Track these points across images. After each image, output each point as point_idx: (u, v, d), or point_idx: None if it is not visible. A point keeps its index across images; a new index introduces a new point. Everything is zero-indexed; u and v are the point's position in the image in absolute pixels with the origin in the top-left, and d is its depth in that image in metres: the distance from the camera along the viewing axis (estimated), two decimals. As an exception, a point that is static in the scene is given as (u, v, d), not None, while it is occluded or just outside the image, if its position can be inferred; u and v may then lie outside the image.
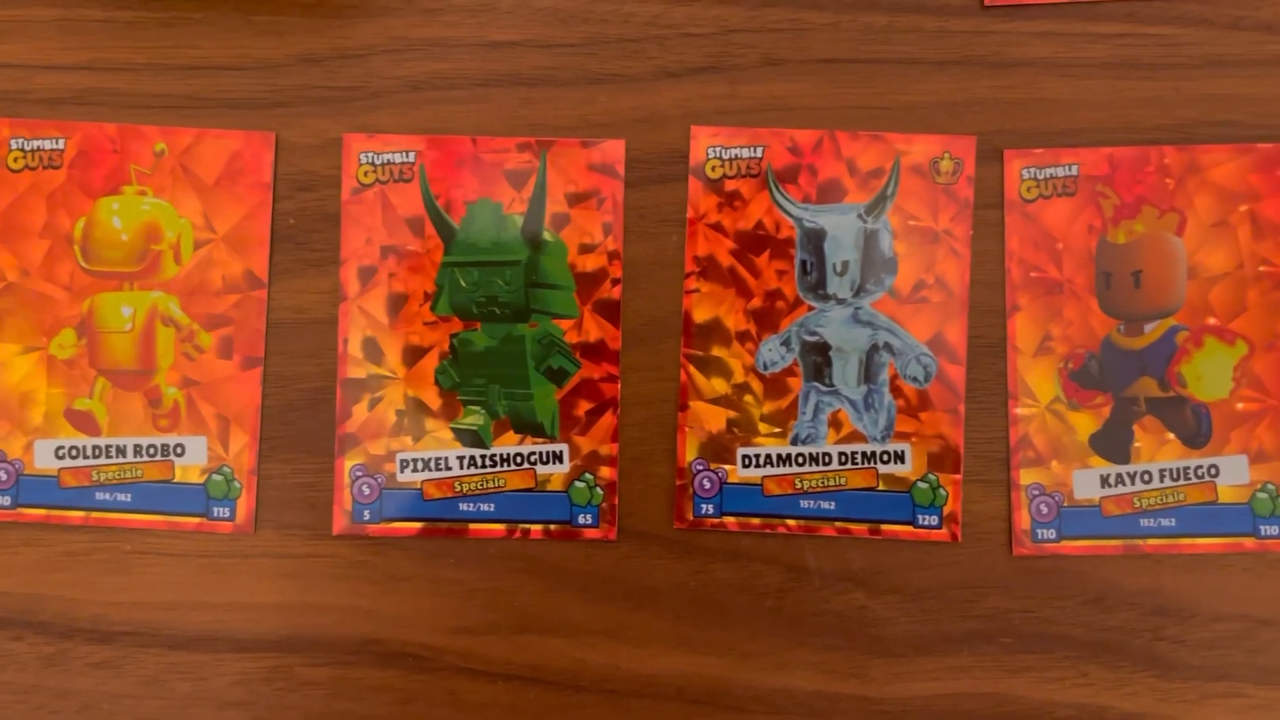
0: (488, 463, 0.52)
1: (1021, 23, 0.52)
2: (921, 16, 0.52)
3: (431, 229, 0.52)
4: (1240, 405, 0.51)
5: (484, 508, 0.52)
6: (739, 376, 0.52)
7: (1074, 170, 0.51)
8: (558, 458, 0.52)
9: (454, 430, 0.52)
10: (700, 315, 0.52)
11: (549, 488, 0.52)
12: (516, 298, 0.52)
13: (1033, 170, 0.51)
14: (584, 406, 0.52)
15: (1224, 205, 0.51)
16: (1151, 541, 0.51)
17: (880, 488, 0.51)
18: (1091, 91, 0.51)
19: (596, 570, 0.52)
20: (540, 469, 0.52)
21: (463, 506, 0.51)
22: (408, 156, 0.52)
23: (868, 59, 0.52)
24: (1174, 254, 0.51)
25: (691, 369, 0.52)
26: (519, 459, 0.52)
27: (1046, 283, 0.51)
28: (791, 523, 0.51)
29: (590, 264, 0.52)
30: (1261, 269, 0.51)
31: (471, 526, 0.51)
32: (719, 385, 0.52)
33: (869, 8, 0.52)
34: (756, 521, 0.51)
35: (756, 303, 0.52)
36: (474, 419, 0.52)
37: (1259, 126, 0.51)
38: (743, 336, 0.52)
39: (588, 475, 0.51)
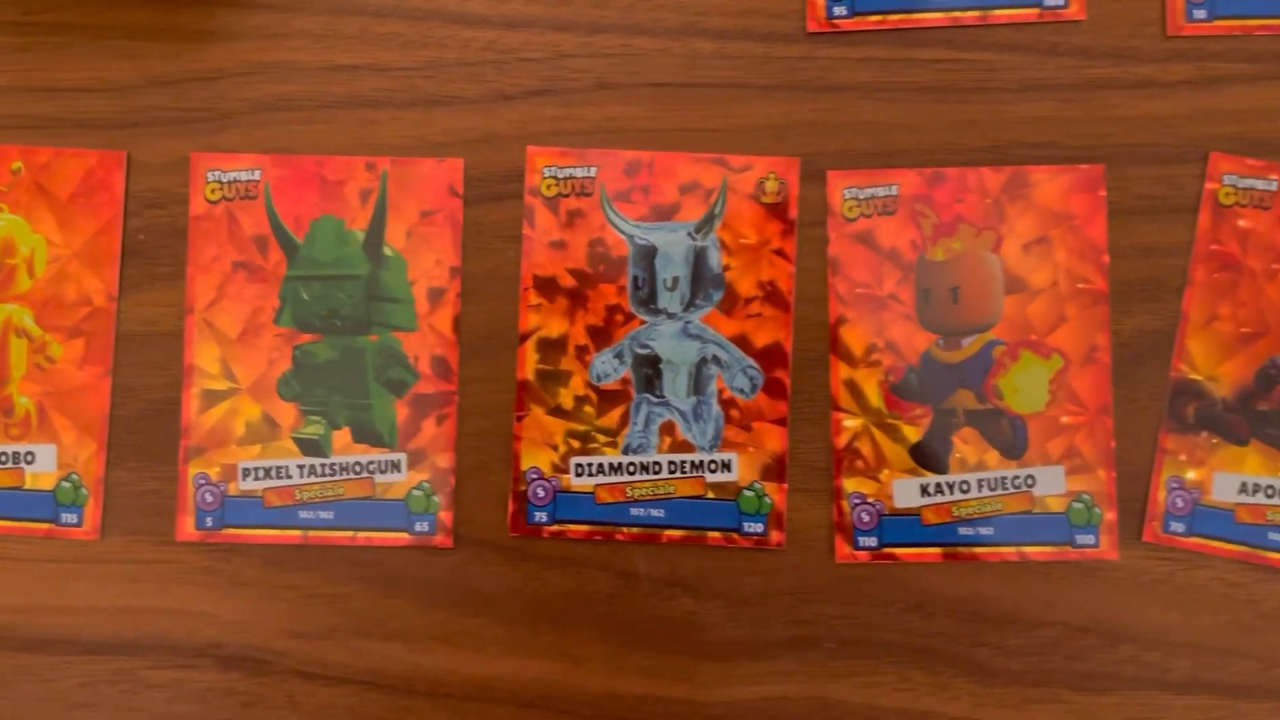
0: (327, 471, 0.53)
1: (844, 49, 0.54)
2: (748, 43, 0.54)
3: (277, 244, 0.54)
4: (1058, 418, 0.52)
5: (323, 515, 0.53)
6: (576, 389, 0.53)
7: (894, 190, 0.53)
8: (396, 466, 0.53)
9: (295, 440, 0.53)
10: (538, 329, 0.53)
11: (387, 496, 0.53)
12: (357, 311, 0.53)
13: (854, 190, 0.53)
14: (423, 417, 0.53)
15: (1042, 224, 0.53)
16: (970, 549, 0.52)
17: (709, 496, 0.53)
18: (911, 114, 0.53)
19: (433, 577, 0.53)
20: (379, 478, 0.53)
21: (302, 514, 0.53)
22: (254, 175, 0.54)
23: (697, 83, 0.54)
24: (990, 271, 0.53)
25: (529, 381, 0.53)
26: (358, 468, 0.53)
27: (870, 299, 0.53)
28: (624, 530, 0.53)
29: (430, 279, 0.54)
30: (1079, 286, 0.53)
31: (311, 534, 0.53)
32: (556, 397, 0.53)
33: (697, 34, 0.54)
34: (589, 529, 0.53)
35: (593, 317, 0.53)
36: (315, 429, 0.53)
37: (1076, 148, 0.53)
38: (580, 350, 0.53)
39: (425, 484, 0.53)
